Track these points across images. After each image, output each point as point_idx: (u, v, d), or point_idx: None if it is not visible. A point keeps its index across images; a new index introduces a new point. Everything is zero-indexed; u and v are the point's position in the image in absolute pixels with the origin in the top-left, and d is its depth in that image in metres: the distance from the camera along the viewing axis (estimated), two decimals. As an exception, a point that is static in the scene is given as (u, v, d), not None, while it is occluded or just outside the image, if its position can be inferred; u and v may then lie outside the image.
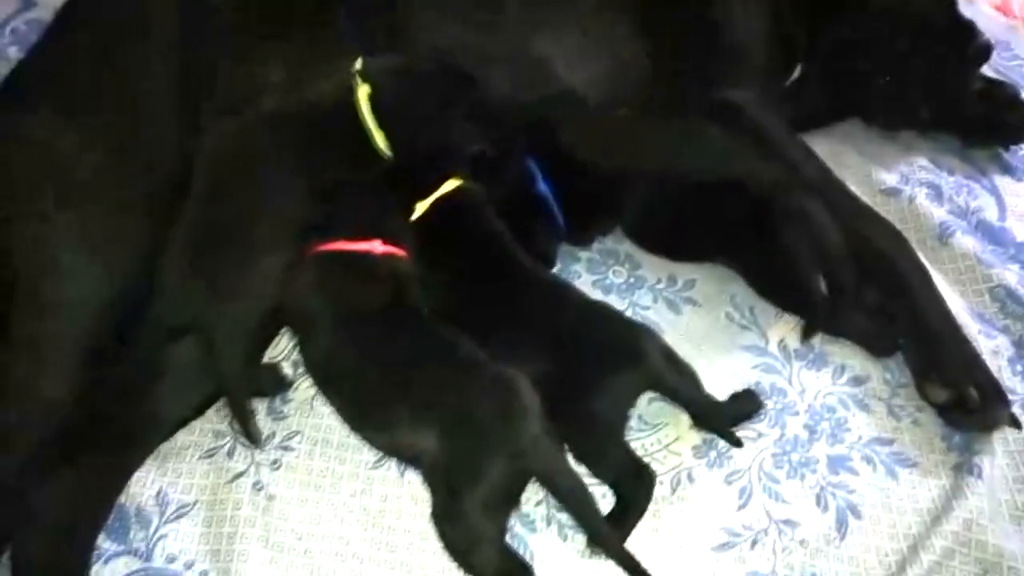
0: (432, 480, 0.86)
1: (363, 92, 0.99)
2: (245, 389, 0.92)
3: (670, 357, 0.96)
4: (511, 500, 0.86)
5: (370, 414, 0.89)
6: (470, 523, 0.82)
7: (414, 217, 1.02)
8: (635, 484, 0.92)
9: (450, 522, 0.83)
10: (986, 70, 1.31)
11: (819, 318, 1.05)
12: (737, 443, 0.95)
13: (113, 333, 0.91)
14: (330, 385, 0.93)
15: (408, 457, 0.90)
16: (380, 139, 1.00)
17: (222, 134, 0.95)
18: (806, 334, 1.05)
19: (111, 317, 0.90)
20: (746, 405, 1.00)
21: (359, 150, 0.99)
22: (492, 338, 0.96)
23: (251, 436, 0.92)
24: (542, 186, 1.10)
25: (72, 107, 0.95)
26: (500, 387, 0.86)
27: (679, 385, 0.95)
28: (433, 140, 1.03)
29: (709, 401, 0.96)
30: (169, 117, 0.96)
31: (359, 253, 0.96)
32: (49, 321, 0.88)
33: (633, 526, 0.90)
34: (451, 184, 1.04)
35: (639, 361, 0.93)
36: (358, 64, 1.00)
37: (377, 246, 0.96)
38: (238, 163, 0.94)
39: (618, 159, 1.13)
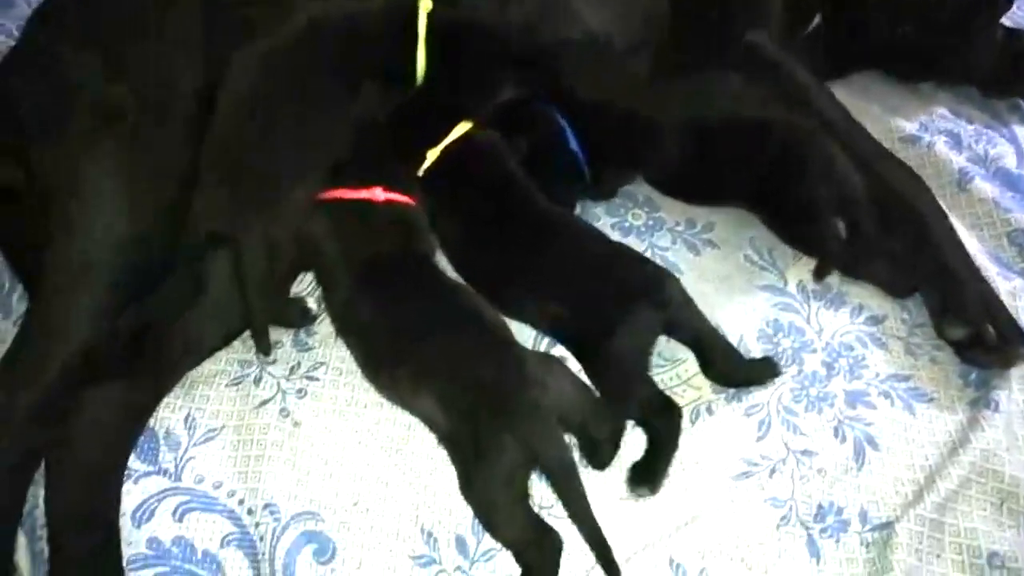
0: (448, 450, 0.86)
1: (424, 5, 0.97)
2: (265, 302, 0.92)
3: (689, 301, 0.97)
4: (527, 468, 0.83)
5: (377, 371, 0.90)
6: (487, 495, 0.82)
7: (425, 165, 1.02)
8: (664, 419, 0.93)
9: (469, 493, 0.84)
10: (1005, 21, 1.31)
11: (834, 261, 1.05)
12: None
13: (147, 263, 0.92)
14: (346, 336, 0.95)
15: (420, 418, 0.90)
16: (422, 59, 0.98)
17: (261, 44, 0.94)
18: (819, 273, 1.06)
19: (144, 245, 0.90)
20: (763, 372, 0.98)
21: (397, 65, 0.98)
22: (511, 284, 0.98)
23: (263, 346, 0.93)
24: (573, 144, 1.09)
25: (101, 38, 0.95)
26: (506, 356, 0.85)
27: (699, 325, 0.96)
28: (474, 82, 1.02)
29: (729, 349, 0.97)
30: (200, 45, 0.96)
31: (359, 201, 0.96)
32: (81, 248, 0.89)
33: (668, 462, 0.91)
34: (461, 129, 1.04)
35: (662, 301, 0.94)
36: None
37: (378, 193, 0.96)
38: (275, 77, 0.93)
39: (639, 106, 1.14)
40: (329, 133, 0.95)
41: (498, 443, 0.80)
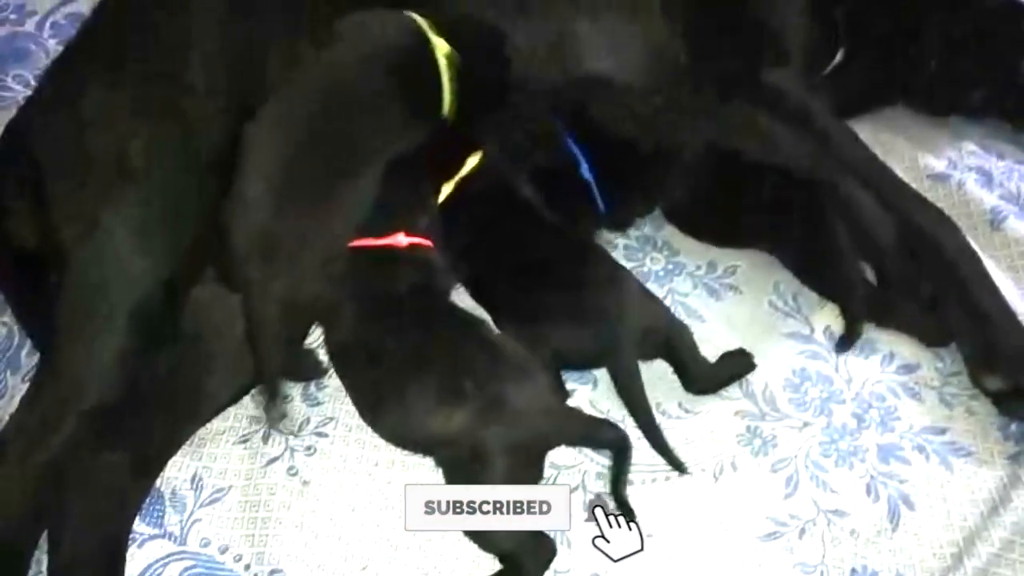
0: (448, 465, 0.84)
1: (440, 47, 0.96)
2: (277, 361, 0.90)
3: (661, 331, 0.95)
4: (534, 478, 0.85)
5: (388, 398, 0.87)
6: None
7: (441, 199, 1.01)
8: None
9: None
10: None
11: (859, 315, 1.01)
12: (680, 468, 0.91)
13: (162, 316, 0.90)
14: (350, 368, 0.92)
15: (420, 444, 0.88)
16: (448, 97, 0.97)
17: (293, 92, 0.93)
18: (846, 340, 1.01)
19: (159, 297, 0.89)
20: (737, 366, 0.98)
21: (424, 104, 0.97)
22: (522, 309, 0.96)
23: (274, 416, 0.90)
24: (586, 172, 1.07)
25: (125, 84, 0.94)
26: (520, 367, 0.86)
27: (632, 387, 0.92)
28: (489, 109, 1.02)
29: (699, 363, 0.96)
30: (217, 94, 0.95)
31: (383, 248, 0.95)
32: (96, 300, 0.87)
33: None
34: (474, 159, 1.03)
35: (611, 348, 0.92)
36: (419, 19, 0.98)
37: (401, 239, 0.96)
38: (320, 120, 0.92)
39: (660, 136, 1.11)
40: (365, 188, 0.93)
41: (516, 437, 0.81)
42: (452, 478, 0.84)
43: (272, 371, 0.90)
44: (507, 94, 1.02)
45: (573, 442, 0.88)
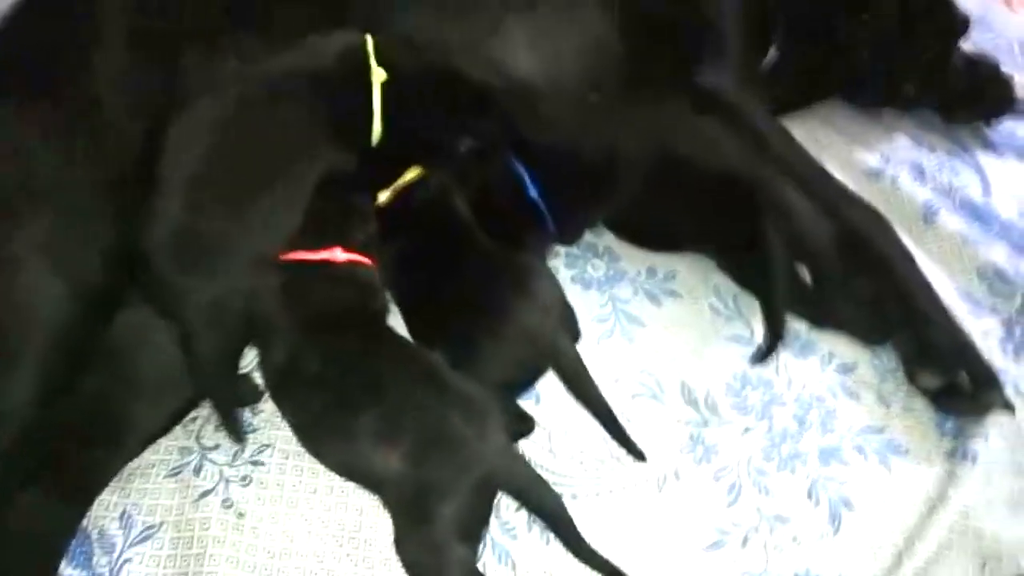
0: (394, 503, 0.82)
1: (378, 75, 0.93)
2: (226, 379, 0.88)
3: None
4: (483, 520, 0.82)
5: (330, 427, 0.85)
6: (440, 546, 0.77)
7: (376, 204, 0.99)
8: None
9: (417, 546, 0.79)
10: (963, 47, 1.28)
11: (779, 320, 1.01)
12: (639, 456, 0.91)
13: (83, 343, 0.87)
14: (289, 394, 0.89)
15: (365, 477, 0.85)
16: (378, 126, 0.94)
17: (216, 96, 0.90)
18: (761, 357, 1.01)
19: (79, 326, 0.85)
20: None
21: (350, 130, 0.94)
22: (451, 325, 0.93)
23: (235, 433, 0.89)
24: (533, 192, 1.05)
25: (24, 108, 0.90)
26: (469, 403, 0.82)
27: (580, 380, 0.91)
28: (431, 143, 0.99)
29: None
30: (127, 108, 0.91)
31: (318, 263, 0.92)
32: (13, 333, 0.83)
33: None
34: (411, 173, 1.01)
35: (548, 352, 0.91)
36: (370, 41, 0.94)
37: (338, 254, 0.93)
38: (241, 124, 0.89)
39: (593, 138, 1.08)
40: (287, 195, 0.90)
41: (463, 480, 0.78)
42: (398, 519, 0.80)
43: (216, 383, 0.87)
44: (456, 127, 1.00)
45: (515, 490, 0.84)
